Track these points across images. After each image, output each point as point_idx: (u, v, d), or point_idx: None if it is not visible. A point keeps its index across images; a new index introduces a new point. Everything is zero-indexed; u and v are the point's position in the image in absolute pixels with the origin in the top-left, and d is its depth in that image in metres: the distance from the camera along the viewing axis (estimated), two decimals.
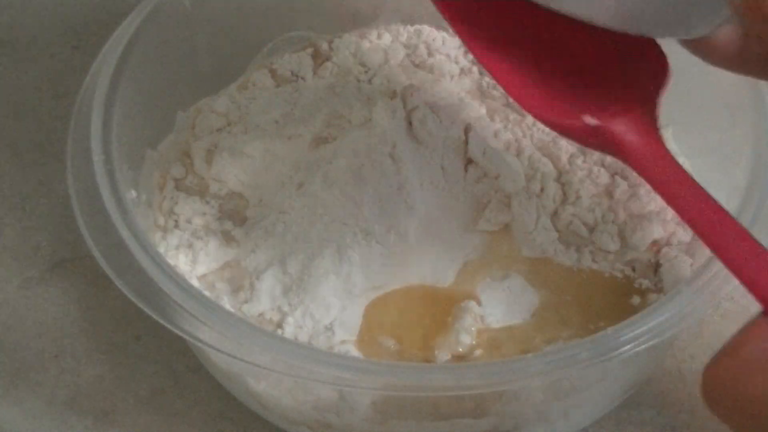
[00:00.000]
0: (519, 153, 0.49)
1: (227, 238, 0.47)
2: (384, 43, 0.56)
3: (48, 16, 0.67)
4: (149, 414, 0.48)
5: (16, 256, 0.54)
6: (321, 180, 0.47)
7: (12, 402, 0.48)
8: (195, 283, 0.45)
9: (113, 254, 0.39)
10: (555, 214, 0.47)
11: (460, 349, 0.43)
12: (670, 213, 0.46)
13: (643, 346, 0.36)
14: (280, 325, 0.43)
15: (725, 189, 0.40)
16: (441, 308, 0.45)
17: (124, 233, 0.40)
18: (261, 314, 0.44)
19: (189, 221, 0.48)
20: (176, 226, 0.48)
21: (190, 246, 0.47)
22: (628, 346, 0.36)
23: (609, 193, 0.48)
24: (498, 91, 0.52)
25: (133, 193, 0.45)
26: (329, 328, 0.43)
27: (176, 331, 0.38)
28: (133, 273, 0.39)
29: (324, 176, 0.47)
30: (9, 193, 0.57)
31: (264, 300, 0.44)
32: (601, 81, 0.34)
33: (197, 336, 0.37)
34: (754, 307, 0.29)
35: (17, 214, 0.56)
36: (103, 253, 0.39)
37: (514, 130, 0.50)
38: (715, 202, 0.30)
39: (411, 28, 0.57)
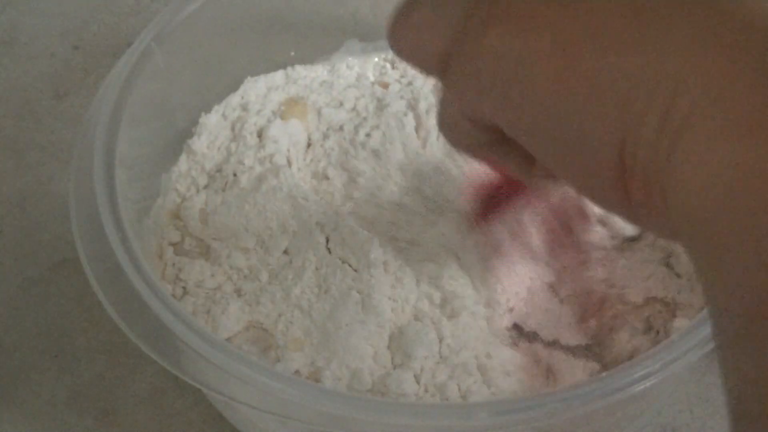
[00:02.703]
0: None
1: (245, 298, 0.44)
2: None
3: (48, 16, 0.67)
4: (149, 414, 0.48)
5: (16, 256, 0.54)
6: (339, 234, 0.46)
7: (12, 402, 0.48)
8: None
9: (137, 320, 0.38)
10: None
11: None
12: None
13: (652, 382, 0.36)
14: (317, 380, 0.42)
15: None
16: None
17: (148, 298, 0.38)
18: (297, 371, 0.42)
19: (199, 286, 0.45)
20: (186, 292, 0.45)
21: (208, 311, 0.44)
22: (638, 385, 0.36)
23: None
24: None
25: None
26: (366, 375, 0.42)
27: (218, 396, 0.37)
28: (157, 334, 0.38)
29: (341, 231, 0.46)
30: (9, 193, 0.57)
31: (297, 357, 0.42)
32: None
33: (245, 401, 0.36)
34: None
35: (17, 214, 0.56)
36: (132, 328, 0.38)
37: None
38: None
39: None
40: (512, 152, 0.29)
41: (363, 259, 0.44)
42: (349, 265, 0.44)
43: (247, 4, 0.52)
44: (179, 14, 0.48)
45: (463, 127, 0.29)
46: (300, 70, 0.55)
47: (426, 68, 0.29)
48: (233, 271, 0.45)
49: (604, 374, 0.37)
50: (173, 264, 0.46)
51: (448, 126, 0.30)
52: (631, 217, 0.25)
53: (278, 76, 0.54)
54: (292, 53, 0.55)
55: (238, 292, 0.45)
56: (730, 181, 0.20)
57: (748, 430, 0.21)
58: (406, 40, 0.29)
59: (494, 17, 0.25)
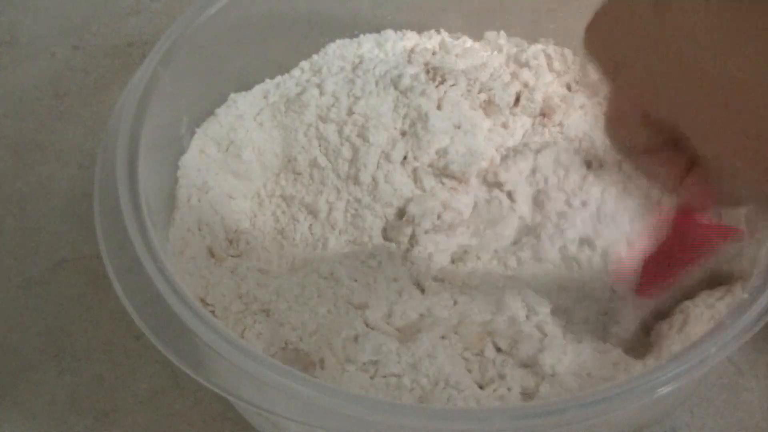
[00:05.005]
0: None
1: (273, 318, 0.44)
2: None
3: (48, 16, 0.67)
4: (149, 414, 0.48)
5: (16, 256, 0.54)
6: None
7: (12, 402, 0.48)
8: None
9: (185, 348, 0.37)
10: None
11: None
12: None
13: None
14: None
15: None
16: None
17: (188, 320, 0.38)
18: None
19: (226, 308, 0.45)
20: (213, 315, 0.44)
21: (242, 334, 0.43)
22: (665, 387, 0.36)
23: None
24: None
25: None
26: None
27: (281, 417, 0.37)
28: (196, 351, 0.37)
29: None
30: (9, 193, 0.57)
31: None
32: None
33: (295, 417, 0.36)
34: None
35: (17, 214, 0.56)
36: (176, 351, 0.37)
37: None
38: None
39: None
40: (674, 158, 0.30)
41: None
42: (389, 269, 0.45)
43: (247, 11, 0.52)
44: (182, 33, 0.48)
45: (632, 125, 0.30)
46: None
47: (606, 65, 0.29)
48: (261, 288, 0.45)
49: (623, 379, 0.37)
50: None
51: (615, 124, 0.31)
52: None
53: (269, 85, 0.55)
54: (293, 54, 0.56)
55: (265, 311, 0.44)
56: None
57: None
58: (594, 38, 0.29)
59: (675, 8, 0.26)
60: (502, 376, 0.41)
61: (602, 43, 0.29)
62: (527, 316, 0.43)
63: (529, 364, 0.42)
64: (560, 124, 0.51)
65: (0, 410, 0.48)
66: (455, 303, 0.44)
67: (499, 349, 0.42)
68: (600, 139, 0.49)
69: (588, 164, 0.49)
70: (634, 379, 0.36)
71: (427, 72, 0.54)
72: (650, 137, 0.30)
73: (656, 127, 0.29)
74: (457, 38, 0.57)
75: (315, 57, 0.56)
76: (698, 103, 0.26)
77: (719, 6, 0.25)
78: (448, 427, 0.35)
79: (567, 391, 0.40)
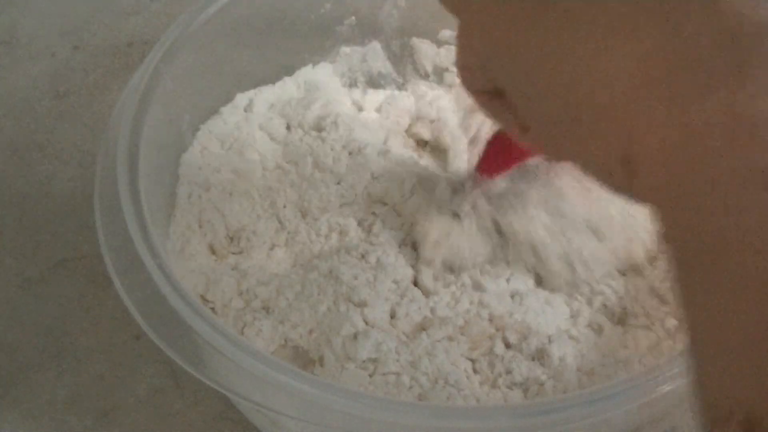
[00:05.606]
0: None
1: (273, 316, 0.44)
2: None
3: (48, 16, 0.67)
4: (149, 414, 0.48)
5: (16, 256, 0.54)
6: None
7: (12, 402, 0.48)
8: None
9: (186, 347, 0.37)
10: None
11: None
12: None
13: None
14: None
15: None
16: None
17: (188, 318, 0.38)
18: None
19: (226, 305, 0.44)
20: (213, 312, 0.44)
21: (242, 332, 0.43)
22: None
23: None
24: None
25: None
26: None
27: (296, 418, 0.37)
28: (198, 351, 0.37)
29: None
30: (9, 193, 0.57)
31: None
32: None
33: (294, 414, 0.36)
34: None
35: (17, 214, 0.56)
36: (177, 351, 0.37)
37: None
38: None
39: None
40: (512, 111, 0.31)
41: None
42: (387, 272, 0.45)
43: (247, 11, 0.52)
44: (183, 33, 0.48)
45: (474, 73, 0.31)
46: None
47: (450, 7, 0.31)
48: (260, 284, 0.45)
49: (623, 379, 0.36)
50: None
51: (461, 69, 0.33)
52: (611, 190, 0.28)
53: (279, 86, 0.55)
54: (295, 56, 0.56)
55: (267, 309, 0.44)
56: (678, 150, 0.24)
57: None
58: None
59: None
60: (509, 371, 0.41)
61: None
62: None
63: (536, 357, 0.42)
64: None
65: (0, 410, 0.48)
66: (458, 301, 0.44)
67: (508, 345, 0.42)
68: None
69: None
70: (634, 378, 0.36)
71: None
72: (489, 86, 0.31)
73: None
74: None
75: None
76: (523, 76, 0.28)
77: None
78: (448, 425, 0.35)
79: (569, 388, 0.40)
